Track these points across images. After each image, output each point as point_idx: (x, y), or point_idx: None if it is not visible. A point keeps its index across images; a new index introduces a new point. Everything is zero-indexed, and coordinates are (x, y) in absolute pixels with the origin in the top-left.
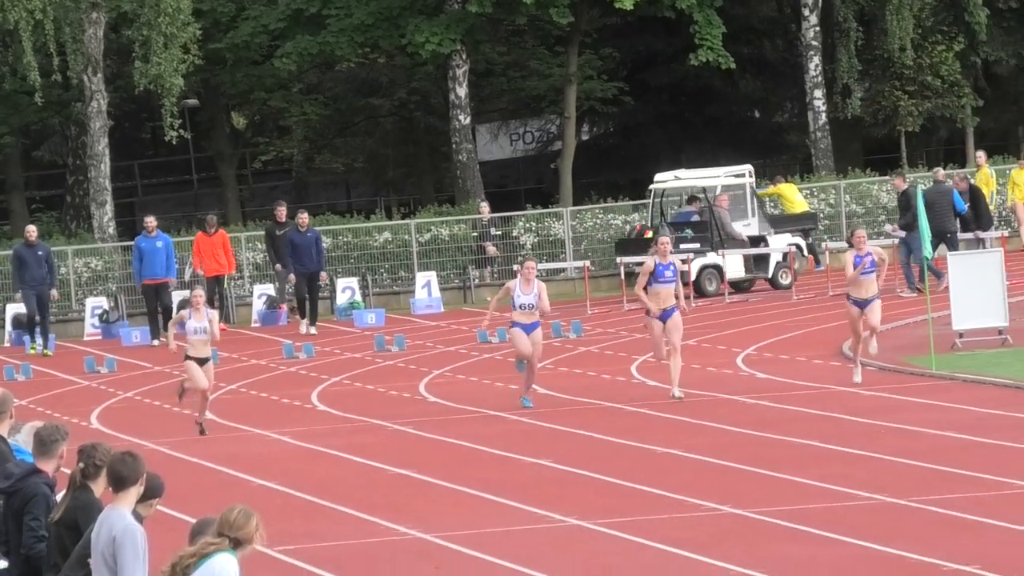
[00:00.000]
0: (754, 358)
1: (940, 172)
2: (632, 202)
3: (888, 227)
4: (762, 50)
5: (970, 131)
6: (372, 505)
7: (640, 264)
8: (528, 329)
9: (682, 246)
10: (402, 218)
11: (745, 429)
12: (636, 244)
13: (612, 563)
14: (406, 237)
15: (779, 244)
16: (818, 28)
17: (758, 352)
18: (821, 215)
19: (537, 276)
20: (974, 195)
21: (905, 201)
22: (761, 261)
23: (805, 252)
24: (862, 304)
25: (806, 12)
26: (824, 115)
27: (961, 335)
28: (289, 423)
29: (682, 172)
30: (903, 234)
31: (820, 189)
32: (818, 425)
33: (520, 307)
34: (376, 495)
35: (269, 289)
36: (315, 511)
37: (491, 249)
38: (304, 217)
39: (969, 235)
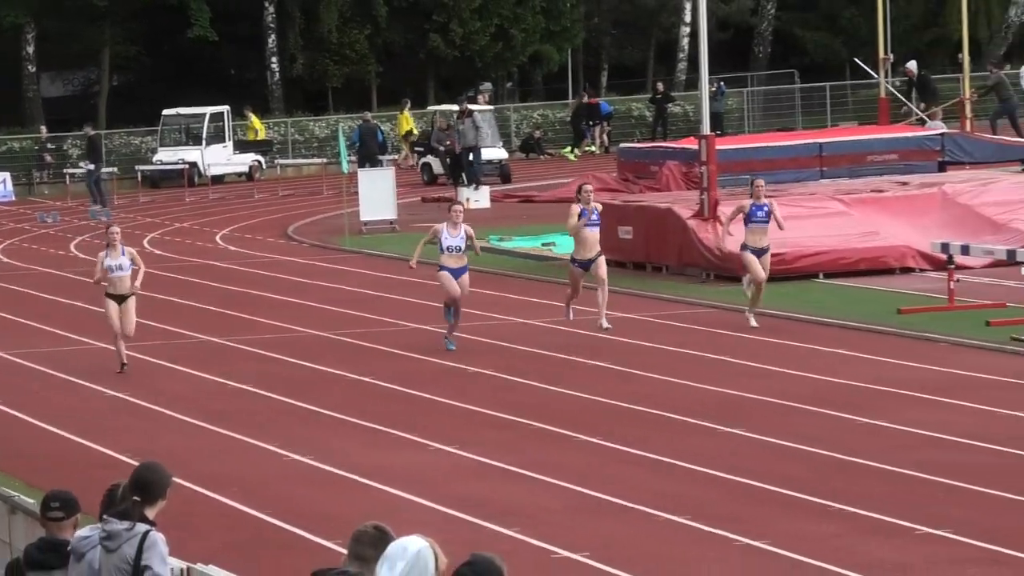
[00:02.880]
0: (228, 236)
1: (368, 115)
2: (147, 127)
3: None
4: (236, 28)
5: (374, 88)
6: None
7: None
8: (456, 273)
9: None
10: None
11: (222, 284)
12: None
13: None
14: None
15: (246, 159)
16: (274, 15)
17: (230, 232)
18: (275, 142)
19: (80, 179)
20: (374, 130)
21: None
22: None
23: (264, 165)
24: (758, 253)
25: (266, 3)
26: (278, 74)
27: (366, 224)
28: None
29: (182, 109)
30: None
31: (275, 124)
32: (270, 282)
33: (447, 249)
34: None
35: None
36: None
37: (48, 158)
38: None
39: (389, 157)
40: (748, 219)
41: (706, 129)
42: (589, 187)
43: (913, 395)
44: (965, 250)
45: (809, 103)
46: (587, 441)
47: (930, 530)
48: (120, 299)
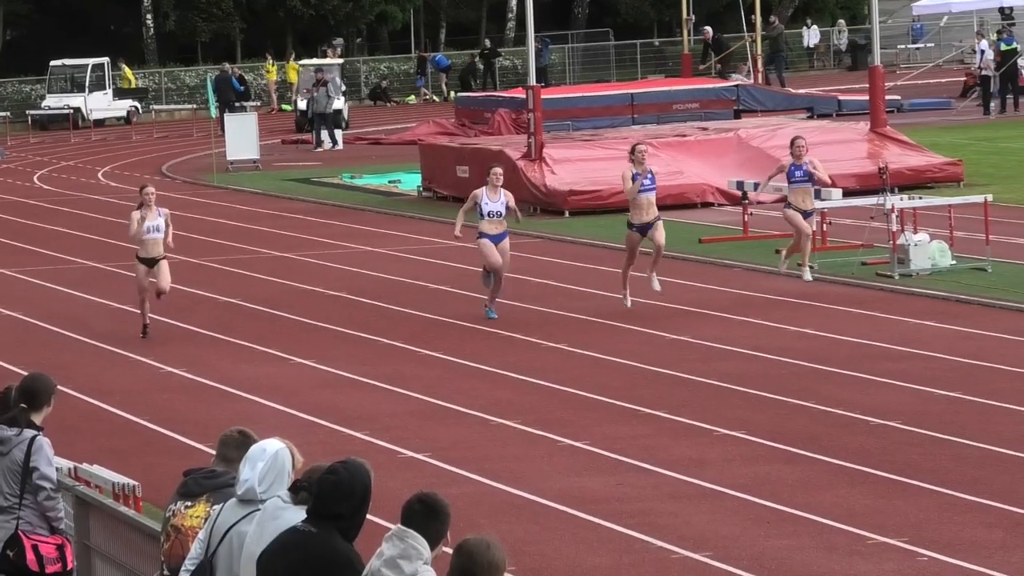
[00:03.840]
0: (109, 174)
1: (225, 65)
2: (37, 77)
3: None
4: None
5: (239, 43)
6: None
7: None
8: (496, 239)
9: None
10: None
11: (104, 216)
12: None
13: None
14: None
15: (124, 105)
16: None
17: (111, 170)
18: (150, 89)
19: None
20: (228, 79)
21: None
22: None
23: (140, 111)
24: (803, 215)
25: None
26: (153, 30)
27: (232, 163)
28: None
29: (67, 60)
30: None
31: (150, 74)
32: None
33: (488, 215)
34: None
35: None
36: None
37: None
38: None
39: (252, 103)
40: (788, 178)
41: (532, 80)
42: (643, 147)
43: (712, 313)
44: (757, 187)
45: (622, 58)
46: (430, 355)
47: (726, 431)
48: (151, 262)
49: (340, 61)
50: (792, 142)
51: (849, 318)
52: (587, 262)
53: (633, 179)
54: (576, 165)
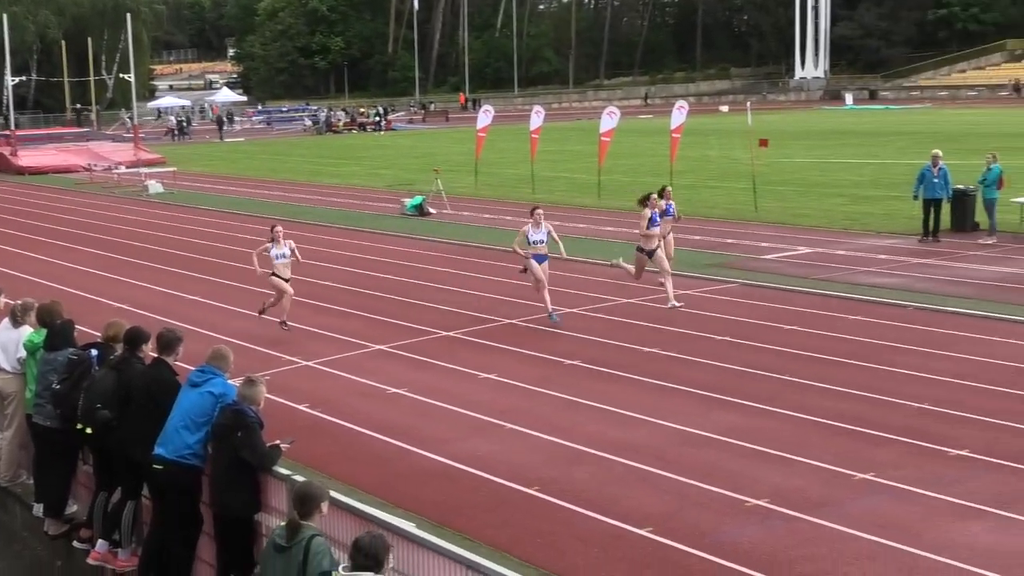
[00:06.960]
0: None
1: None
2: None
3: None
4: None
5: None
6: None
7: None
8: (540, 259)
9: None
10: None
11: None
12: None
13: None
14: None
15: None
16: None
17: None
18: None
19: None
20: None
21: None
22: None
23: None
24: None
25: None
26: None
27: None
28: None
29: None
30: None
31: None
32: None
33: (533, 243)
34: None
35: None
36: None
37: None
38: None
39: None
40: (651, 223)
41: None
42: (655, 196)
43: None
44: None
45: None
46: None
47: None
48: (284, 280)
49: None
50: (664, 189)
51: (142, 209)
52: (37, 190)
53: (651, 219)
54: (33, 156)
